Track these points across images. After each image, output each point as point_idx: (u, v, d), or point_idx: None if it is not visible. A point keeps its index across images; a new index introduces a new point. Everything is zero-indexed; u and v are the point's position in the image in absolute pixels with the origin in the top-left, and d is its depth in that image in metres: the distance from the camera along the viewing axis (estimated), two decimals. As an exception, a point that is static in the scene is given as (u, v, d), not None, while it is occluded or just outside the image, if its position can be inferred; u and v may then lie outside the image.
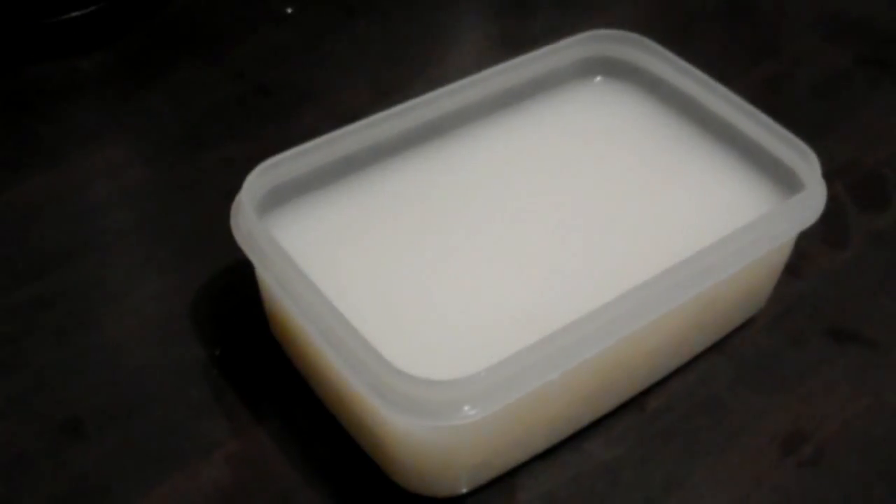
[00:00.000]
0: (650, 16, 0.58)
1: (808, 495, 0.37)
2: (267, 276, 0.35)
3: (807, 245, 0.43)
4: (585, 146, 0.43)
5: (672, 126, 0.44)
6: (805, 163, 0.39)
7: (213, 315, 0.42)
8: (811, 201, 0.38)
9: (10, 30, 0.53)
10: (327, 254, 0.38)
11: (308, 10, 0.58)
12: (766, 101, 0.43)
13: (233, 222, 0.37)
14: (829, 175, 0.39)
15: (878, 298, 0.44)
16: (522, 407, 0.33)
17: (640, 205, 0.41)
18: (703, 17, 0.59)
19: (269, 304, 0.39)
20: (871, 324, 0.42)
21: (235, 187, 0.38)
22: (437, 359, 0.34)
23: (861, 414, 0.39)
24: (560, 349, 0.33)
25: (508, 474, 0.37)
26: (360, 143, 0.40)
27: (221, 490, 0.36)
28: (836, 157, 0.48)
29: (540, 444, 0.37)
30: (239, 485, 0.36)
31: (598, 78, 0.46)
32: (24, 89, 0.52)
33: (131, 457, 0.37)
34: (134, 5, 0.55)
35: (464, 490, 0.36)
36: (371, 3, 0.58)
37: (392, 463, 0.35)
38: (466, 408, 0.31)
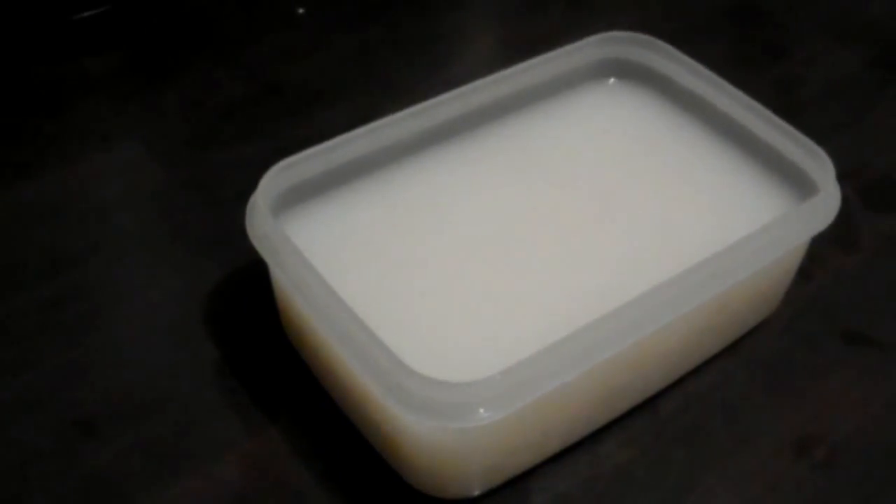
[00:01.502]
0: (662, 18, 0.58)
1: (822, 498, 0.37)
2: (281, 277, 0.36)
3: (818, 248, 0.43)
4: (598, 148, 0.43)
5: (685, 128, 0.44)
6: (819, 166, 0.39)
7: (227, 315, 0.42)
8: (825, 205, 0.38)
9: (21, 30, 0.53)
10: (342, 254, 0.38)
11: (320, 10, 0.58)
12: (776, 103, 0.43)
13: (248, 222, 0.37)
14: (839, 177, 0.39)
15: (890, 301, 0.44)
16: (537, 409, 0.33)
17: (654, 207, 0.41)
18: (713, 20, 0.59)
19: (282, 305, 0.39)
20: (884, 326, 0.42)
21: (248, 188, 0.38)
22: (452, 361, 0.34)
23: (874, 416, 0.39)
24: (575, 352, 0.33)
25: (522, 476, 0.37)
26: (375, 144, 0.40)
27: (234, 490, 0.36)
28: (847, 160, 0.48)
29: (554, 447, 0.37)
30: (252, 485, 0.36)
31: (611, 80, 0.46)
32: (35, 89, 0.52)
33: (144, 457, 0.37)
34: (145, 5, 0.55)
35: (477, 492, 0.36)
36: (384, 4, 0.58)
37: (406, 464, 0.35)
38: (481, 410, 0.31)
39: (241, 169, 0.46)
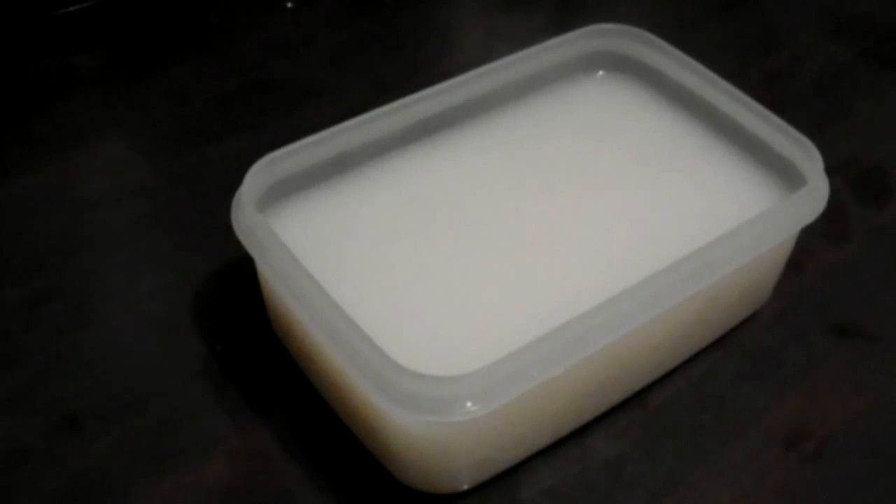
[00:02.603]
0: (652, 10, 0.58)
1: (811, 491, 0.37)
2: (267, 272, 0.35)
3: (809, 240, 0.43)
4: (587, 141, 0.43)
5: (674, 121, 0.43)
6: (807, 158, 0.39)
7: (214, 311, 0.41)
8: (814, 196, 0.38)
9: (7, 25, 0.52)
10: (328, 249, 0.38)
11: (308, 3, 0.57)
12: (767, 95, 0.43)
13: (233, 217, 0.37)
14: (830, 170, 0.39)
15: (880, 293, 0.43)
16: (525, 403, 0.33)
17: (643, 200, 0.41)
18: (704, 12, 0.59)
19: (269, 300, 0.39)
20: (874, 319, 0.42)
21: (236, 182, 0.37)
22: (439, 354, 0.34)
23: (864, 409, 0.39)
24: (563, 345, 0.33)
25: (511, 470, 0.37)
26: (361, 138, 0.40)
27: (222, 487, 0.36)
28: (838, 153, 0.48)
29: (542, 440, 0.37)
30: (240, 481, 0.36)
31: (601, 73, 0.46)
32: (22, 85, 0.52)
33: (131, 453, 0.37)
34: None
35: (466, 486, 0.36)
36: (372, -2, 0.58)
37: (394, 459, 0.35)
38: (469, 404, 0.31)
39: (229, 164, 0.45)
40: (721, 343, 0.41)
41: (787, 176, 0.40)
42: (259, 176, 0.38)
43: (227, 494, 0.36)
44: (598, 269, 0.38)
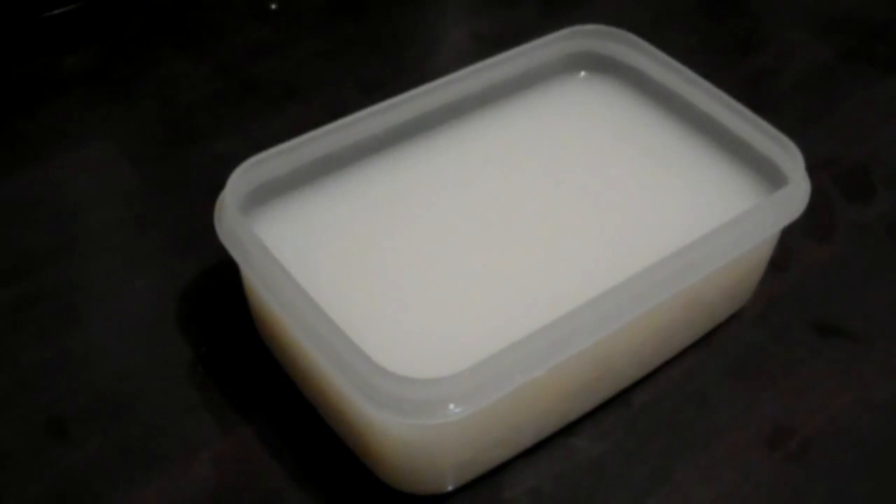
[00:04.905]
0: (633, 10, 0.58)
1: (794, 489, 0.37)
2: (251, 275, 0.35)
3: (792, 239, 0.43)
4: (570, 142, 0.43)
5: (656, 121, 0.44)
6: (788, 157, 0.39)
7: (199, 314, 0.41)
8: (795, 196, 0.38)
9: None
10: (311, 252, 0.38)
11: (293, 5, 0.57)
12: (750, 95, 0.43)
13: (216, 220, 0.37)
14: (813, 169, 0.39)
15: (862, 292, 0.44)
16: (508, 404, 0.33)
17: (625, 200, 0.41)
18: (687, 11, 0.59)
19: (253, 303, 0.39)
20: (856, 318, 0.42)
21: (221, 184, 0.37)
22: (422, 357, 0.34)
23: (846, 408, 0.39)
24: (545, 346, 0.33)
25: (495, 471, 0.37)
26: (345, 140, 0.40)
27: (208, 490, 0.36)
28: (821, 151, 0.49)
29: (526, 441, 0.37)
30: (225, 484, 0.36)
31: (582, 73, 0.46)
32: (7, 87, 0.52)
33: (116, 457, 0.37)
34: (116, 2, 0.55)
35: (450, 487, 0.36)
36: (356, -1, 0.58)
37: (378, 461, 0.35)
38: (451, 406, 0.31)
39: (214, 166, 0.45)
40: (704, 342, 0.41)
41: (769, 175, 0.40)
42: (242, 179, 0.38)
43: (212, 497, 0.36)
44: (580, 270, 0.38)
